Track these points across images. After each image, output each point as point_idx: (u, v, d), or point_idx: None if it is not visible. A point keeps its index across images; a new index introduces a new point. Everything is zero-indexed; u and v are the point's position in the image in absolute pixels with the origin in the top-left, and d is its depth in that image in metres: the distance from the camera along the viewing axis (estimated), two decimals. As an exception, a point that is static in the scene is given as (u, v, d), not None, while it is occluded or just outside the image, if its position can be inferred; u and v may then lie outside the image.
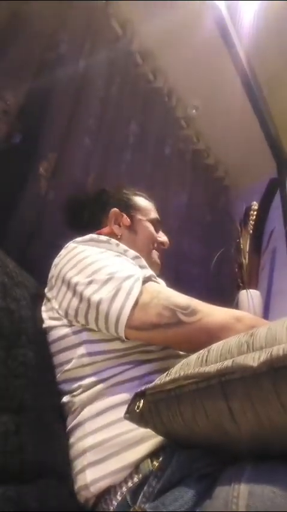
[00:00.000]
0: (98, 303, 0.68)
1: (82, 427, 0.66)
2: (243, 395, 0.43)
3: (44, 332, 0.77)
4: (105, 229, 0.98)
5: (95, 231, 0.92)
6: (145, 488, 0.55)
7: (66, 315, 0.74)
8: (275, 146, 1.95)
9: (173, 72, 1.85)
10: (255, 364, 0.41)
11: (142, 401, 0.54)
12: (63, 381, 0.72)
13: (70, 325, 0.74)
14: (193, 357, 0.52)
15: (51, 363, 0.75)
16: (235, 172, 2.36)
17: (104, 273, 0.71)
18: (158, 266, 1.01)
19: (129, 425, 0.60)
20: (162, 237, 1.06)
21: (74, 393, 0.69)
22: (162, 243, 1.05)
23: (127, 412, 0.55)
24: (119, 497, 0.58)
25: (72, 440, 0.67)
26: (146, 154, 1.65)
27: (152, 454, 0.59)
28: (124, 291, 0.67)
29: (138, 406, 0.53)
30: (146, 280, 0.71)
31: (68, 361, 0.71)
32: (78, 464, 0.64)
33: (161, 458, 0.57)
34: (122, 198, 1.06)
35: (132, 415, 0.55)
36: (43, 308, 0.80)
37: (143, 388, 0.54)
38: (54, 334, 0.75)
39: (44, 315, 0.79)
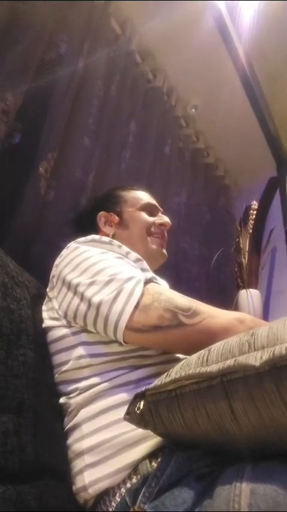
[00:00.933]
0: (99, 305, 0.67)
1: (79, 428, 0.65)
2: (245, 395, 0.43)
3: (44, 332, 0.77)
4: (100, 234, 0.97)
5: None
6: (144, 488, 0.55)
7: (66, 315, 0.73)
8: (275, 145, 1.95)
9: (173, 72, 1.85)
10: (257, 363, 0.41)
11: (142, 402, 0.53)
12: (61, 382, 0.72)
13: (69, 326, 0.73)
14: (193, 357, 0.51)
15: (51, 363, 0.75)
16: (235, 171, 2.36)
17: (106, 274, 0.70)
18: (158, 252, 1.00)
19: (127, 426, 0.60)
20: (161, 218, 1.04)
21: (71, 395, 0.69)
22: (161, 224, 1.03)
23: (127, 413, 0.55)
24: (117, 498, 0.58)
25: (69, 441, 0.67)
26: (146, 153, 1.65)
27: (151, 455, 0.59)
28: (125, 293, 0.67)
29: (138, 407, 0.53)
30: (147, 282, 0.70)
31: (66, 362, 0.71)
32: (76, 465, 0.64)
33: (159, 459, 0.57)
34: (108, 198, 1.06)
35: (132, 416, 0.54)
36: (44, 307, 0.80)
37: (143, 389, 0.54)
38: (53, 335, 0.75)
39: (45, 315, 0.79)
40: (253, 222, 2.00)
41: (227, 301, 1.82)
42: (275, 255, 2.09)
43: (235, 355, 0.45)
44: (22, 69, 1.16)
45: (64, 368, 0.71)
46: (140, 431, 0.59)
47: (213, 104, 1.95)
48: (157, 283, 0.73)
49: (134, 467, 0.59)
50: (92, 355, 0.69)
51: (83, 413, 0.66)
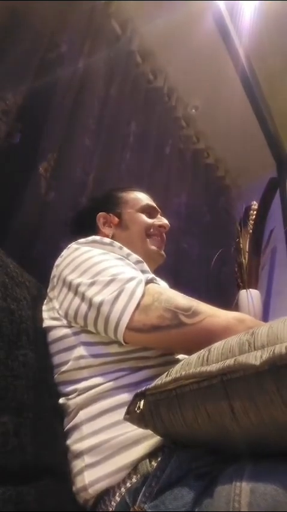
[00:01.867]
0: (100, 305, 0.67)
1: (79, 429, 0.65)
2: (245, 394, 0.43)
3: (44, 332, 0.77)
4: (99, 234, 0.97)
5: None
6: (144, 488, 0.55)
7: (66, 315, 0.74)
8: (275, 145, 1.95)
9: (173, 72, 1.86)
10: (257, 362, 0.41)
11: (142, 401, 0.53)
12: (60, 383, 0.72)
13: (69, 326, 0.73)
14: (194, 356, 0.51)
15: (51, 363, 0.75)
16: (235, 171, 2.37)
17: (107, 275, 0.71)
18: (157, 253, 1.00)
19: (126, 427, 0.60)
20: (160, 220, 1.04)
21: (69, 396, 0.69)
22: (161, 226, 1.03)
23: (127, 413, 0.55)
24: (118, 498, 0.58)
25: (69, 442, 0.67)
26: (146, 154, 1.65)
27: (151, 455, 0.59)
28: (127, 293, 0.67)
29: (138, 407, 0.53)
30: (148, 282, 0.70)
31: (65, 363, 0.71)
32: (76, 466, 0.64)
33: (159, 458, 0.57)
34: (107, 199, 1.06)
35: (132, 416, 0.54)
36: (44, 308, 0.80)
37: (143, 388, 0.54)
38: (53, 335, 0.75)
39: (45, 315, 0.79)
40: (253, 222, 2.00)
41: (227, 301, 1.82)
42: (275, 255, 2.09)
43: (235, 354, 0.45)
44: (22, 69, 1.16)
45: (64, 368, 0.71)
46: (139, 431, 0.59)
47: (213, 104, 1.96)
48: (157, 283, 0.73)
49: (134, 467, 0.59)
50: (91, 356, 0.69)
51: (83, 414, 0.66)
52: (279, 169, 2.03)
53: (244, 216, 2.05)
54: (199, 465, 0.53)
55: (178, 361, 0.69)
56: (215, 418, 0.46)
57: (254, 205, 2.04)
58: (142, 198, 1.06)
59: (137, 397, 0.54)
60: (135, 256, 0.81)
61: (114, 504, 0.58)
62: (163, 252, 1.02)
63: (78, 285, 0.72)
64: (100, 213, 1.02)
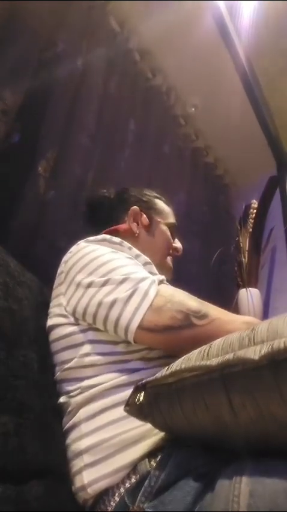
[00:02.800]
0: (112, 303, 0.68)
1: (78, 428, 0.65)
2: (244, 388, 0.43)
3: (48, 330, 0.76)
4: (123, 225, 0.98)
5: (113, 226, 0.92)
6: (144, 488, 0.54)
7: (74, 312, 0.73)
8: (275, 144, 1.95)
9: (172, 70, 1.85)
10: (256, 357, 0.41)
11: (142, 394, 0.54)
12: (62, 380, 0.72)
13: (76, 323, 0.73)
14: (195, 352, 0.52)
15: (52, 364, 0.74)
16: (235, 170, 2.36)
17: (119, 273, 0.71)
18: (170, 271, 1.01)
19: (126, 425, 0.61)
20: (177, 243, 1.06)
21: (71, 394, 0.69)
22: (176, 249, 1.05)
23: (127, 404, 0.55)
24: (117, 498, 0.58)
25: (68, 441, 0.67)
26: (145, 152, 1.65)
27: (150, 454, 0.59)
28: (140, 293, 0.67)
29: (138, 399, 0.53)
30: (159, 283, 0.71)
31: (70, 360, 0.71)
32: (75, 465, 0.64)
33: (158, 458, 0.57)
34: (143, 198, 1.06)
35: (132, 408, 0.55)
36: (51, 304, 0.80)
37: (143, 381, 0.54)
38: (58, 332, 0.75)
39: (51, 311, 0.78)
40: (252, 221, 2.00)
41: (227, 300, 1.82)
42: (275, 254, 2.09)
43: (235, 349, 0.46)
44: (21, 68, 1.16)
45: (67, 365, 0.71)
46: (138, 430, 0.60)
47: (212, 103, 1.95)
48: (168, 284, 0.74)
49: (133, 467, 0.59)
50: (97, 354, 0.69)
51: (83, 412, 0.66)
52: (279, 168, 2.03)
53: (243, 214, 2.05)
54: (198, 465, 0.53)
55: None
56: (214, 412, 0.46)
57: (254, 204, 2.04)
58: (171, 214, 1.07)
59: (138, 389, 0.54)
60: (144, 258, 0.81)
61: (114, 504, 0.58)
62: (171, 271, 1.02)
63: (90, 284, 0.72)
64: (134, 207, 1.01)
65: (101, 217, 1.03)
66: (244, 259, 1.90)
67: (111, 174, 1.43)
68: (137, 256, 0.81)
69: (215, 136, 2.15)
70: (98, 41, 1.47)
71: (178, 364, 0.51)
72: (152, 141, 1.71)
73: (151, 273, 0.77)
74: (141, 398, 0.53)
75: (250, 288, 1.83)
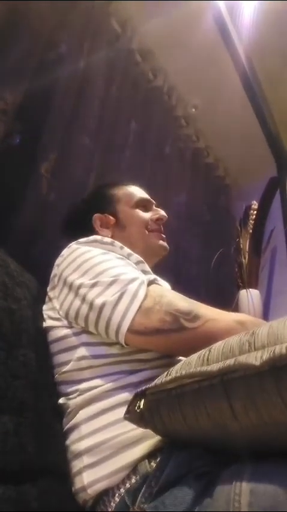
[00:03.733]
0: (102, 306, 0.67)
1: (78, 429, 0.65)
2: (245, 394, 0.43)
3: (45, 332, 0.77)
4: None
5: None
6: (144, 488, 0.54)
7: (67, 316, 0.73)
8: (275, 145, 1.95)
9: (173, 71, 1.85)
10: (258, 363, 0.41)
11: (142, 401, 0.53)
12: (61, 383, 0.72)
13: (70, 326, 0.73)
14: (194, 356, 0.51)
15: (52, 363, 0.74)
16: (235, 171, 2.36)
17: (109, 275, 0.70)
18: (161, 247, 0.99)
19: (125, 427, 0.60)
20: (157, 212, 1.02)
21: (70, 396, 0.69)
22: (157, 219, 1.01)
23: (127, 412, 0.55)
24: (117, 499, 0.58)
25: (68, 442, 0.66)
26: (146, 153, 1.65)
27: (150, 455, 0.59)
28: (129, 295, 0.66)
29: (138, 406, 0.53)
30: (149, 283, 0.70)
31: (66, 363, 0.71)
32: (75, 466, 0.64)
33: (159, 459, 0.57)
34: (99, 198, 1.03)
35: (132, 416, 0.54)
36: (44, 307, 0.80)
37: (143, 387, 0.54)
38: (54, 335, 0.75)
39: (45, 314, 0.78)
40: (253, 222, 2.00)
41: (227, 301, 1.82)
42: (275, 255, 2.09)
43: (236, 354, 0.45)
44: (22, 68, 1.16)
45: (65, 369, 0.71)
46: (138, 431, 0.59)
47: (213, 103, 1.95)
48: (159, 284, 0.73)
49: (133, 467, 0.59)
50: (93, 357, 0.69)
51: (82, 414, 0.66)
52: (279, 169, 2.03)
53: (244, 215, 2.05)
54: (199, 465, 0.52)
55: (178, 362, 0.69)
56: (215, 418, 0.46)
57: (254, 204, 2.04)
58: (134, 192, 1.03)
59: (137, 396, 0.54)
60: (136, 257, 0.81)
61: (114, 505, 0.58)
62: (164, 244, 1.00)
63: (80, 286, 0.72)
64: (95, 214, 0.98)
65: (80, 236, 0.95)
66: (244, 260, 1.90)
67: (113, 174, 1.43)
68: (129, 255, 0.80)
69: (216, 137, 2.15)
70: (99, 41, 1.47)
71: (177, 370, 0.51)
72: (153, 142, 1.71)
73: (144, 271, 0.77)
74: (141, 406, 0.53)
75: (250, 289, 1.83)
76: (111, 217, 0.98)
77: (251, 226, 1.99)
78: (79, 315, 0.71)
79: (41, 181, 1.13)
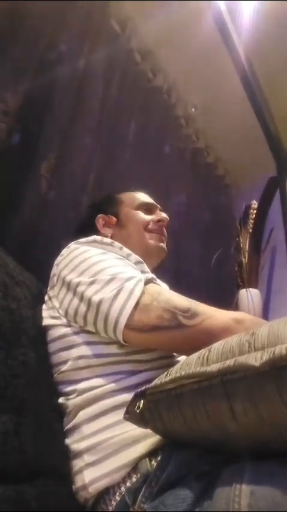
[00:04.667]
0: (99, 303, 0.67)
1: (79, 429, 0.65)
2: (245, 394, 0.43)
3: (44, 331, 0.77)
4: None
5: None
6: (144, 488, 0.55)
7: (66, 314, 0.74)
8: (275, 145, 1.94)
9: (173, 71, 1.85)
10: (257, 363, 0.41)
11: (142, 401, 0.53)
12: (60, 382, 0.72)
13: (69, 325, 0.73)
14: (194, 356, 0.51)
15: (51, 362, 0.75)
16: (235, 171, 2.36)
17: (107, 274, 0.71)
18: (158, 248, 1.00)
19: (126, 427, 0.60)
20: (158, 215, 1.04)
21: (69, 396, 0.69)
22: (159, 220, 1.03)
23: (127, 412, 0.55)
24: (117, 497, 0.58)
25: (69, 441, 0.67)
26: (146, 152, 1.65)
27: (150, 454, 0.59)
28: (126, 292, 0.67)
29: (138, 407, 0.53)
30: (147, 282, 0.71)
31: (65, 362, 0.71)
32: (76, 465, 0.64)
33: (159, 458, 0.57)
34: (105, 201, 1.07)
35: (132, 416, 0.54)
36: (44, 306, 0.80)
37: (143, 388, 0.54)
38: (53, 334, 0.75)
39: (45, 313, 0.79)
40: (253, 221, 2.00)
41: (227, 300, 1.82)
42: (275, 254, 2.09)
43: (235, 355, 0.46)
44: (22, 69, 1.16)
45: (63, 368, 0.71)
46: (139, 430, 0.59)
47: (213, 103, 1.95)
48: (156, 283, 0.73)
49: (134, 466, 0.59)
50: (91, 356, 0.69)
51: (83, 414, 0.66)
52: (279, 169, 2.03)
53: (243, 215, 2.05)
54: (199, 465, 0.52)
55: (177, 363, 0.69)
56: (215, 418, 0.46)
57: (254, 204, 2.04)
58: (139, 196, 1.07)
59: (137, 396, 0.54)
60: (135, 257, 0.81)
61: (114, 503, 0.58)
62: (163, 246, 1.01)
63: (78, 284, 0.72)
64: (99, 215, 1.02)
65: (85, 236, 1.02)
66: (244, 260, 1.90)
67: (113, 174, 1.43)
68: (128, 256, 0.81)
69: (216, 137, 2.15)
70: (99, 41, 1.47)
71: (177, 370, 0.51)
72: (153, 142, 1.71)
73: (143, 271, 0.77)
74: (141, 406, 0.53)
75: (250, 289, 1.83)
76: (113, 218, 1.01)
77: (251, 225, 1.99)
78: (78, 314, 0.71)
79: (41, 181, 1.13)
